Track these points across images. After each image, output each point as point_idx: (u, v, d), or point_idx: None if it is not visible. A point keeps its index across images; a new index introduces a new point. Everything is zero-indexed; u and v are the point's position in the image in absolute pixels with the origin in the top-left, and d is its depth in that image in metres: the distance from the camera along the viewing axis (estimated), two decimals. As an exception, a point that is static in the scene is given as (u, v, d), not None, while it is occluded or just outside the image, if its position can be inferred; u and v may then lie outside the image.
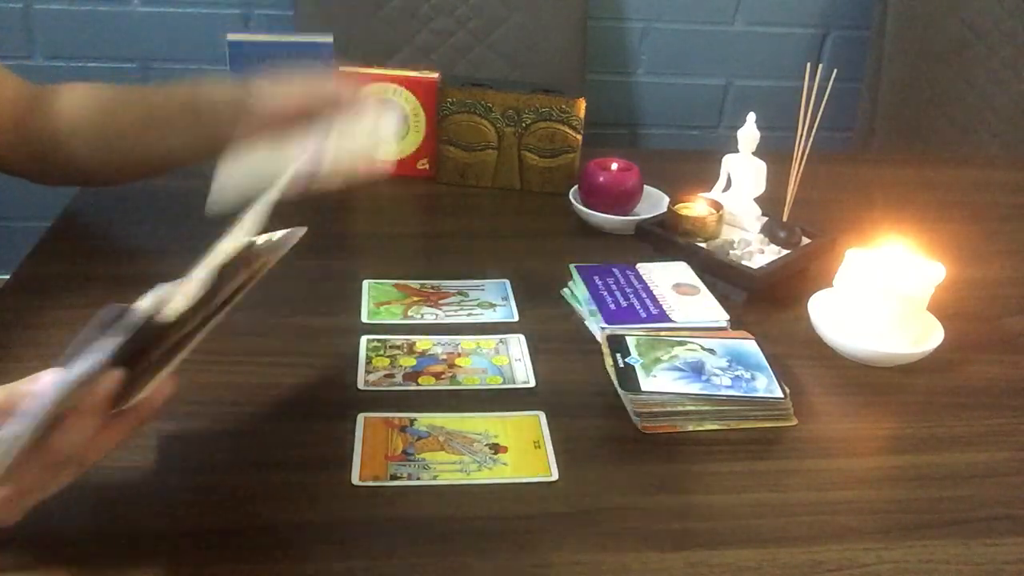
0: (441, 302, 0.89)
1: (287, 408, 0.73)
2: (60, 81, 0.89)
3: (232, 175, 0.71)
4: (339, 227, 1.08)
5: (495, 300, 0.89)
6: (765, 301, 0.91)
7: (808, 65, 0.95)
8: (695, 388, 0.73)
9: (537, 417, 0.73)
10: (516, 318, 0.87)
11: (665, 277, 0.91)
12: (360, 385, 0.76)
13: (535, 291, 0.91)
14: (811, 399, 0.78)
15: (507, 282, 0.93)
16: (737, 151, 1.02)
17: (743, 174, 1.01)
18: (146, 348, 0.51)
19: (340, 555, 0.59)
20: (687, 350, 0.78)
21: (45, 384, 0.49)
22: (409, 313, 0.86)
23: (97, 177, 0.90)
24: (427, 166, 1.18)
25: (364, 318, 0.86)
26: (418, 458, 0.67)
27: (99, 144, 0.85)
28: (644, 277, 0.91)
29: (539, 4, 1.66)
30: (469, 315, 0.87)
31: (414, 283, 0.92)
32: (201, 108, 0.81)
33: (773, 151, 1.03)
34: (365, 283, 0.91)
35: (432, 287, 0.91)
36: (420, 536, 0.61)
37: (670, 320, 0.84)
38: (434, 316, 0.86)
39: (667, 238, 0.98)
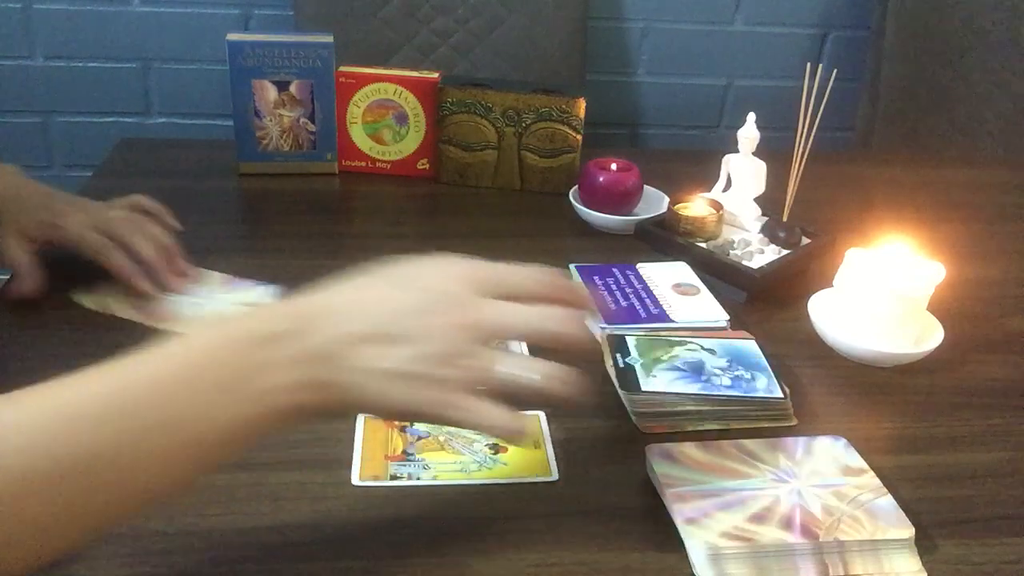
0: None
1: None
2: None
3: None
4: (339, 227, 1.08)
5: None
6: (765, 301, 0.91)
7: (808, 65, 0.95)
8: (695, 388, 0.73)
9: (537, 417, 0.73)
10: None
11: (665, 277, 0.91)
12: (360, 385, 0.76)
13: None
14: (811, 399, 0.78)
15: None
16: (737, 151, 1.02)
17: (743, 174, 1.01)
18: None
19: (340, 555, 0.59)
20: (687, 350, 0.78)
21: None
22: None
23: None
24: (427, 166, 1.18)
25: None
26: (418, 458, 0.67)
27: None
28: (644, 277, 0.91)
29: (539, 4, 1.66)
30: None
31: None
32: None
33: (773, 151, 1.03)
34: None
35: None
36: (420, 536, 0.61)
37: (670, 320, 0.84)
38: None
39: (667, 238, 0.98)
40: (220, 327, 0.52)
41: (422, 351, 0.50)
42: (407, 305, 0.51)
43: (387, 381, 0.50)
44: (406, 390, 0.51)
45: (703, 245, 0.96)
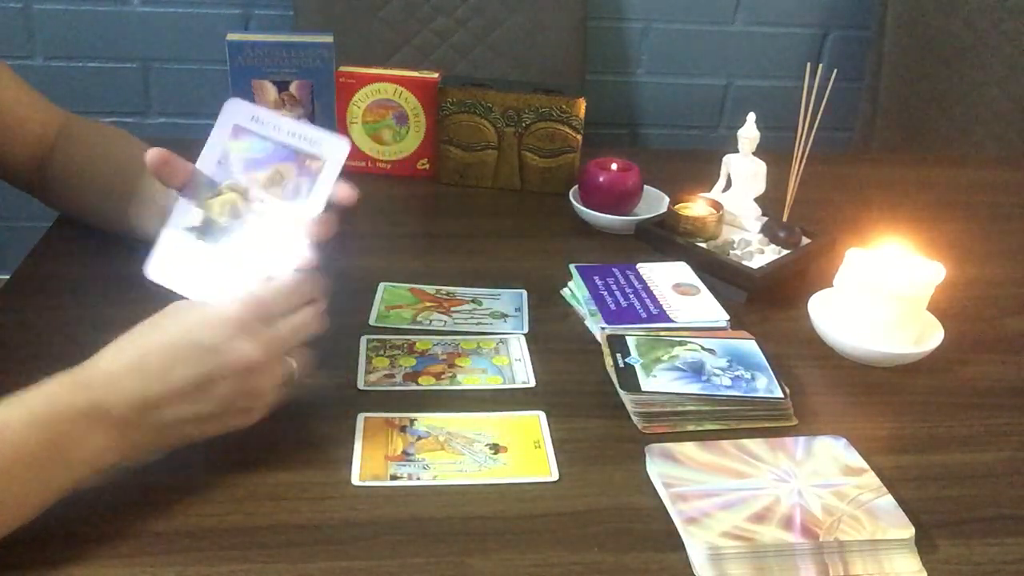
0: (453, 309, 0.88)
1: (287, 408, 0.72)
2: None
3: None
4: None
5: (508, 311, 0.88)
6: (765, 301, 0.91)
7: (808, 65, 0.95)
8: (695, 388, 0.73)
9: (537, 417, 0.73)
10: (526, 330, 0.85)
11: (665, 277, 0.91)
12: (360, 385, 0.76)
13: (535, 291, 0.91)
14: (811, 399, 0.78)
15: (524, 292, 0.91)
16: (737, 151, 1.02)
17: (743, 174, 1.01)
18: None
19: (340, 555, 0.59)
20: (687, 350, 0.78)
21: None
22: (418, 319, 0.86)
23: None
24: (427, 166, 1.18)
25: (372, 320, 0.85)
26: (418, 458, 0.67)
27: (89, 208, 0.92)
28: (644, 277, 0.91)
29: (539, 4, 1.66)
30: (478, 324, 0.85)
31: (429, 288, 0.91)
32: None
33: (773, 151, 1.03)
34: (381, 285, 0.91)
35: (447, 293, 0.90)
36: (420, 536, 0.61)
37: (670, 320, 0.84)
38: (443, 323, 0.85)
39: (667, 238, 0.98)
40: (24, 404, 0.56)
41: (208, 398, 0.60)
42: (187, 364, 0.59)
43: (183, 427, 0.61)
44: (202, 427, 0.62)
45: (703, 245, 0.96)
